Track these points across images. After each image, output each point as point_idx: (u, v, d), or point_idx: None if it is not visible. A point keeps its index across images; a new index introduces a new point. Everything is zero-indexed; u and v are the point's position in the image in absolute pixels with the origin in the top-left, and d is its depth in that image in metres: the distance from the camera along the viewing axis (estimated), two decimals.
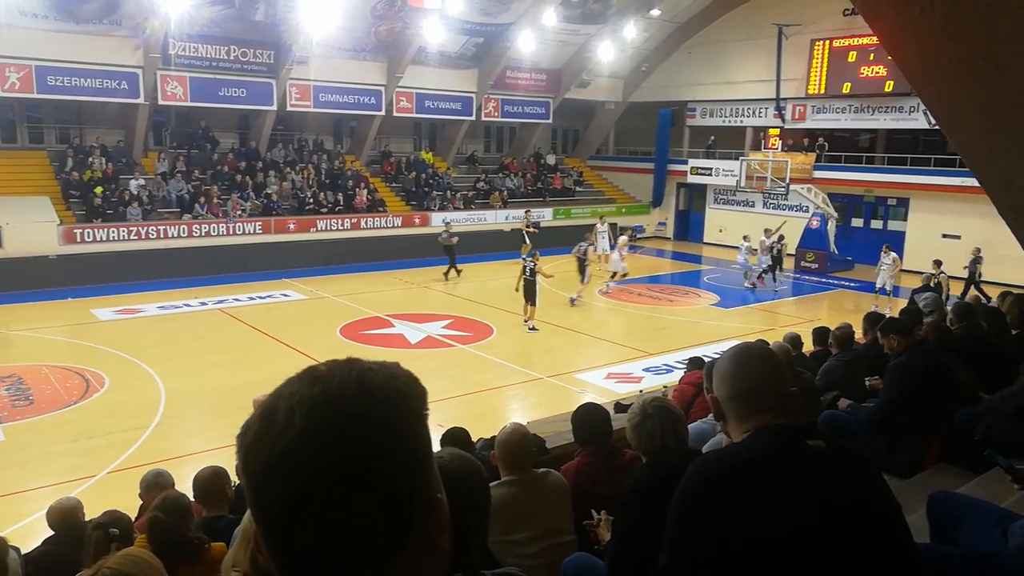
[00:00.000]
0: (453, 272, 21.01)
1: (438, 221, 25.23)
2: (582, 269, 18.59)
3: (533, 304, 15.69)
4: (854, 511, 1.60)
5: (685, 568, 1.66)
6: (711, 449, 3.36)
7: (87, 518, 4.38)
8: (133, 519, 4.13)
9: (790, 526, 1.56)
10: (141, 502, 5.09)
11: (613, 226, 25.69)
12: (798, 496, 1.59)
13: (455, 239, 21.03)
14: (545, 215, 27.80)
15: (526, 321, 15.76)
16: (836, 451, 1.70)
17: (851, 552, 1.57)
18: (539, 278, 15.70)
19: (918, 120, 23.28)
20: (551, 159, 32.14)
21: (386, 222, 24.39)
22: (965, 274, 18.94)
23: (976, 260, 19.11)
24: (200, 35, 21.05)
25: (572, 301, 17.96)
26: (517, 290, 15.77)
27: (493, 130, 32.79)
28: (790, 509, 1.57)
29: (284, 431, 0.74)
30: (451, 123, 28.84)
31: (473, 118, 28.31)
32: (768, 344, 1.69)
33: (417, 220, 25.01)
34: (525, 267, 15.72)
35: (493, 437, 5.74)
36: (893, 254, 18.37)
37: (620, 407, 6.35)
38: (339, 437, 0.74)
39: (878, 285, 18.42)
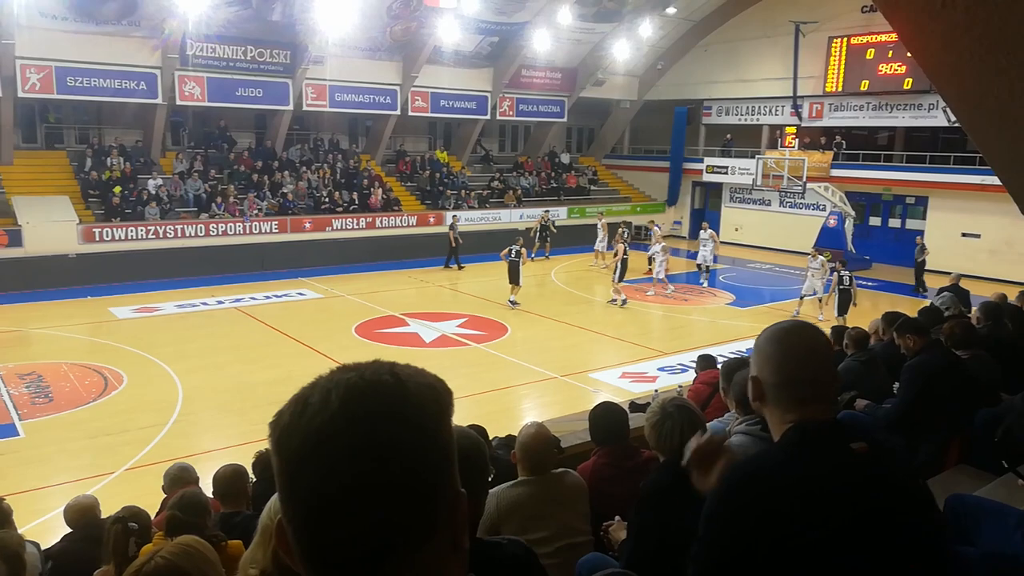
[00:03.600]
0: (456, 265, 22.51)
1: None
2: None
3: (517, 284, 17.38)
4: (893, 519, 1.54)
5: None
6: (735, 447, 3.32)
7: (105, 515, 4.42)
8: (153, 514, 4.17)
9: (827, 532, 1.49)
10: (164, 496, 5.13)
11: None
12: (836, 504, 1.51)
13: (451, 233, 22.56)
14: (560, 214, 27.77)
15: (512, 301, 17.31)
16: (878, 455, 1.61)
17: (888, 560, 1.51)
18: (521, 261, 17.55)
19: (937, 117, 23.03)
20: (566, 158, 32.09)
21: (401, 221, 24.46)
22: (985, 272, 18.76)
23: (922, 249, 20.37)
24: (217, 36, 21.19)
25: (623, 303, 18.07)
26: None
27: (508, 129, 32.78)
28: (826, 517, 1.50)
29: (321, 411, 0.75)
30: (466, 122, 28.87)
31: (488, 117, 28.32)
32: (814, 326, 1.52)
33: (432, 219, 25.06)
34: (511, 249, 17.56)
35: (508, 436, 5.75)
36: (821, 258, 17.23)
37: (635, 407, 6.32)
38: (376, 418, 0.75)
39: (805, 291, 17.28)
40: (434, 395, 0.80)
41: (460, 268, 22.26)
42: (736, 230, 29.07)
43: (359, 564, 0.74)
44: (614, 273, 18.12)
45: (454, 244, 22.27)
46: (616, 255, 18.09)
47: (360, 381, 0.77)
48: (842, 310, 15.68)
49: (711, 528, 1.61)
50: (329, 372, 0.81)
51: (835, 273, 16.05)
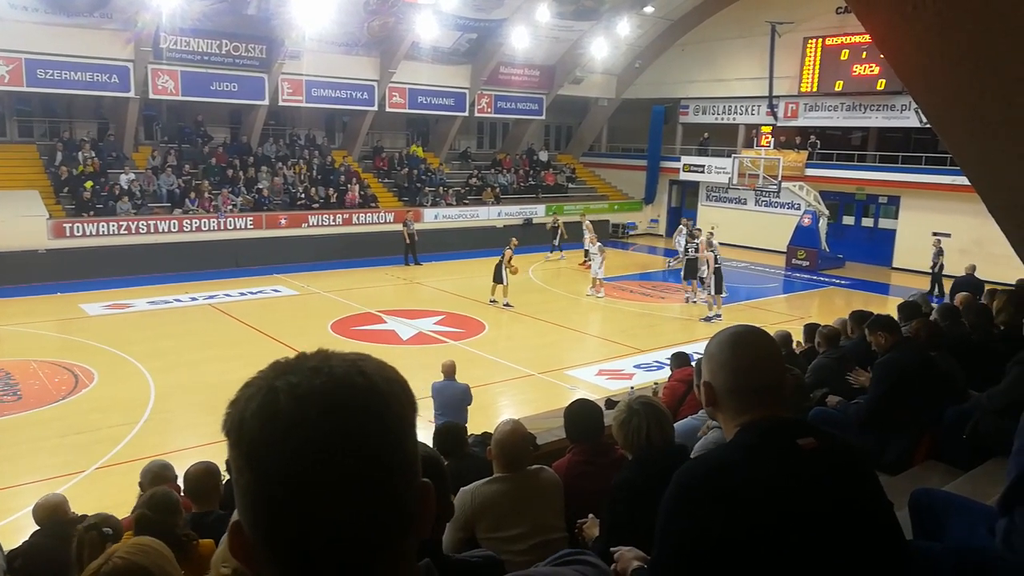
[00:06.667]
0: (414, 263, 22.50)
1: (431, 217, 25.28)
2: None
3: (499, 282, 17.15)
4: (842, 513, 1.56)
5: None
6: (699, 451, 3.36)
7: (77, 513, 4.36)
8: (127, 513, 4.10)
9: (776, 530, 1.51)
10: (140, 494, 5.07)
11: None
12: (784, 499, 1.53)
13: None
14: (538, 212, 27.79)
15: (493, 301, 17.24)
16: (827, 449, 1.62)
17: (840, 555, 1.53)
18: (504, 264, 17.14)
19: (909, 118, 23.38)
20: (544, 155, 32.12)
21: (378, 218, 24.35)
22: (956, 271, 19.01)
23: (939, 252, 19.87)
24: (192, 29, 20.92)
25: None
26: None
27: (486, 126, 32.74)
28: (775, 513, 1.52)
29: (297, 424, 0.72)
30: (444, 119, 28.78)
31: (466, 114, 28.25)
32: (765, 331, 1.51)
33: (410, 216, 24.99)
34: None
35: (485, 433, 5.75)
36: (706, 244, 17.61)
37: (611, 404, 6.34)
38: (355, 428, 0.73)
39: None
40: (402, 393, 0.79)
41: (418, 264, 22.24)
42: (712, 228, 29.22)
43: (336, 565, 0.73)
44: (708, 286, 16.81)
45: (408, 241, 22.26)
46: (708, 266, 16.76)
47: (332, 385, 0.75)
48: (688, 276, 18.22)
49: (661, 530, 1.62)
50: (284, 370, 0.77)
51: (686, 245, 18.18)
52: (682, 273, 18.80)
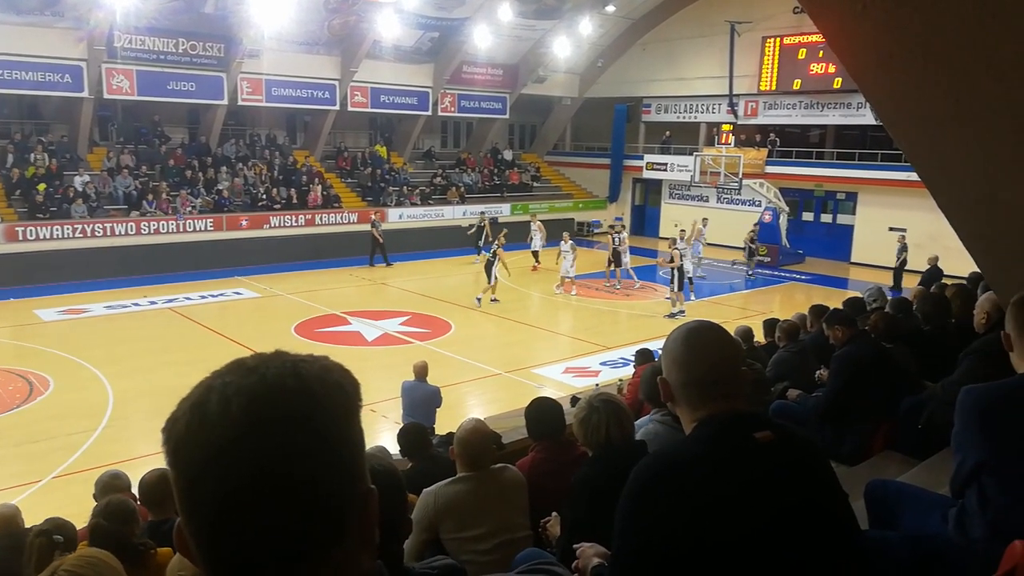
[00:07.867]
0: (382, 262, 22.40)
1: (395, 217, 25.15)
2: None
3: (488, 281, 17.41)
4: (799, 505, 1.57)
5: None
6: (641, 438, 3.39)
7: (33, 523, 4.24)
8: (84, 523, 4.01)
9: (735, 523, 1.51)
10: (95, 505, 4.95)
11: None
12: (742, 493, 1.54)
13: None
14: (503, 211, 27.79)
15: (487, 296, 17.32)
16: (784, 442, 1.63)
17: (797, 546, 1.55)
18: (497, 260, 17.58)
19: (865, 116, 23.82)
20: (508, 154, 32.12)
21: (341, 218, 24.14)
22: (911, 265, 19.46)
23: (903, 248, 20.32)
24: (147, 27, 20.48)
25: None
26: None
27: (450, 125, 32.65)
28: (734, 506, 1.53)
29: (219, 424, 0.71)
30: (407, 118, 28.62)
31: (429, 113, 28.15)
32: (720, 326, 1.51)
33: (373, 216, 24.79)
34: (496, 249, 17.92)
35: (449, 433, 5.73)
36: (623, 234, 19.90)
37: (576, 401, 6.37)
38: (279, 432, 0.71)
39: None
40: (342, 396, 0.76)
41: (388, 264, 22.09)
42: (675, 226, 29.51)
43: (263, 570, 0.72)
44: (672, 283, 16.87)
45: (381, 240, 22.10)
46: (672, 263, 16.75)
47: (261, 387, 0.72)
48: (614, 264, 19.80)
49: (620, 527, 1.61)
50: (227, 370, 0.76)
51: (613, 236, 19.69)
52: (608, 266, 20.05)
